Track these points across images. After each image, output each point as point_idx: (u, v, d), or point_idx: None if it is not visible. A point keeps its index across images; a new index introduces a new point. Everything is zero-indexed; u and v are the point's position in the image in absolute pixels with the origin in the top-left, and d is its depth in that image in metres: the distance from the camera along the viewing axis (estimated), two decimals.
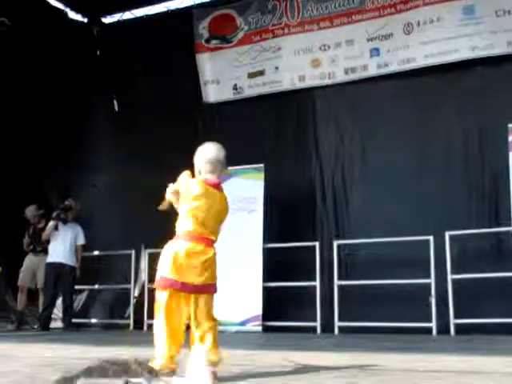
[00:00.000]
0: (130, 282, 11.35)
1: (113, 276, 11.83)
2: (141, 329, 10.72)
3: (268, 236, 10.51)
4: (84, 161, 12.76)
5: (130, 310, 11.32)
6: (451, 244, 9.34)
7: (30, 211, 11.32)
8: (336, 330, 9.79)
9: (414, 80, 10.36)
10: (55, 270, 10.64)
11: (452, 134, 10.07)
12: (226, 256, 10.43)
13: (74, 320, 10.99)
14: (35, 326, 10.97)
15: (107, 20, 13.56)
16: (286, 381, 4.42)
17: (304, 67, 11.20)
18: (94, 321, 11.84)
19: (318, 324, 9.96)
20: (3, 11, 11.39)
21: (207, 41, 12.06)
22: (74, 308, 11.27)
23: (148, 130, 12.25)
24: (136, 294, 11.49)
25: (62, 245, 10.81)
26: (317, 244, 10.26)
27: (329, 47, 11.02)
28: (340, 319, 9.81)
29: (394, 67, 10.51)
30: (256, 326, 10.16)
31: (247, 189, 10.66)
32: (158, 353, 4.47)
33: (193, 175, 4.82)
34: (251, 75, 11.64)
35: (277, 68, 11.43)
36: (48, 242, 10.97)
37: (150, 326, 10.89)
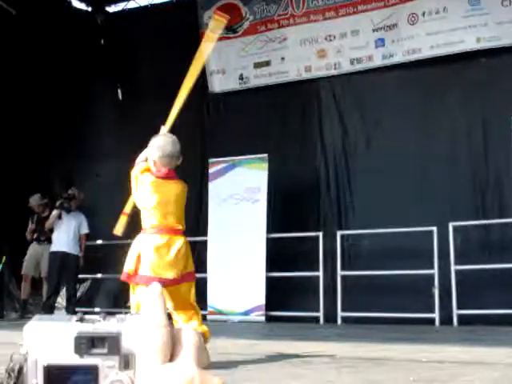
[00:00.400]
0: None
1: (116, 265, 11.83)
2: None
3: (271, 226, 10.51)
4: (88, 150, 12.76)
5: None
6: (455, 235, 9.33)
7: (34, 200, 11.34)
8: (339, 321, 9.81)
9: (418, 71, 10.33)
10: (59, 258, 10.65)
11: (456, 126, 10.05)
12: (229, 246, 10.55)
13: (77, 309, 11.02)
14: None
15: (111, 9, 13.54)
16: (288, 370, 4.44)
17: (310, 58, 11.17)
18: (97, 310, 11.87)
19: (321, 314, 9.97)
20: (9, 1, 11.37)
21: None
22: (77, 297, 11.30)
23: (152, 119, 12.14)
24: None
25: (66, 234, 10.83)
26: (320, 234, 10.26)
27: (334, 37, 10.98)
28: (343, 309, 9.83)
29: (399, 58, 10.48)
30: (259, 316, 10.18)
31: (251, 179, 10.66)
32: None
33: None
34: (257, 65, 11.61)
35: (283, 58, 11.40)
36: (51, 230, 10.99)
37: None
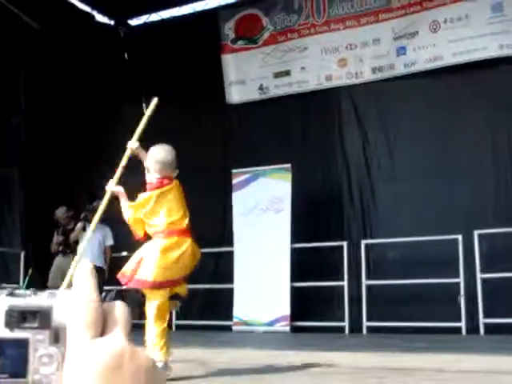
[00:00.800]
0: None
1: None
2: (169, 328, 10.76)
3: (296, 236, 10.50)
4: (112, 162, 12.80)
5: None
6: (480, 243, 9.27)
7: (60, 212, 11.40)
8: (364, 330, 9.76)
9: (441, 78, 10.28)
10: None
11: (480, 133, 9.98)
12: (254, 256, 10.55)
13: None
14: None
15: (134, 22, 13.63)
16: (313, 380, 4.42)
17: (330, 67, 11.16)
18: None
19: (346, 324, 9.94)
20: (34, 16, 11.49)
21: (233, 41, 12.07)
22: None
23: (175, 130, 12.29)
24: None
25: (91, 246, 10.88)
26: (344, 244, 10.23)
27: (355, 46, 10.97)
28: (368, 319, 9.78)
29: (420, 66, 10.44)
30: (284, 327, 10.16)
31: (275, 189, 10.66)
32: (159, 344, 4.78)
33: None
34: (277, 75, 11.63)
35: (303, 68, 11.41)
36: (76, 243, 11.05)
37: (178, 327, 10.97)
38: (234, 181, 11.06)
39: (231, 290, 10.73)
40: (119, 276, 5.11)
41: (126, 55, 13.25)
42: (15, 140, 11.58)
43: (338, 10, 11.12)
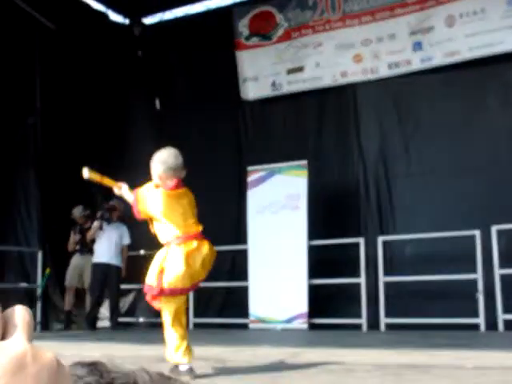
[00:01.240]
0: None
1: None
2: (187, 327, 10.78)
3: (312, 233, 10.47)
4: (127, 161, 12.87)
5: None
6: (498, 238, 9.21)
7: (77, 211, 11.46)
8: (382, 327, 9.73)
9: (457, 73, 10.22)
10: (101, 270, 10.74)
11: (497, 128, 9.90)
12: (270, 254, 10.53)
13: (121, 319, 11.09)
14: (83, 326, 11.16)
15: (148, 20, 13.65)
16: (330, 377, 4.40)
17: (346, 63, 11.12)
18: (141, 320, 11.94)
19: (364, 321, 9.91)
20: (48, 16, 11.53)
21: (247, 38, 12.06)
22: (120, 307, 11.38)
23: (189, 128, 12.32)
24: None
25: (107, 245, 10.92)
26: (361, 240, 10.20)
27: (371, 42, 10.93)
28: (386, 316, 9.75)
29: (437, 61, 10.37)
30: (302, 324, 10.14)
31: (291, 186, 10.63)
32: (182, 347, 4.82)
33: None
34: (290, 71, 11.60)
35: (317, 64, 11.37)
36: (93, 242, 11.10)
37: (196, 325, 10.99)
38: (250, 178, 11.05)
39: (247, 288, 10.73)
40: (146, 290, 5.04)
41: (140, 54, 13.27)
42: (31, 140, 11.63)
43: (353, 6, 11.07)
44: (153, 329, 10.42)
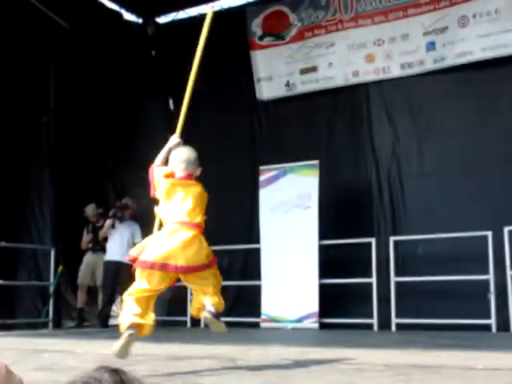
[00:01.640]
0: None
1: None
2: (198, 326, 10.81)
3: (323, 233, 10.48)
4: (140, 160, 12.90)
5: (188, 307, 11.42)
6: (510, 239, 9.19)
7: (90, 209, 11.52)
8: (393, 327, 9.73)
9: (470, 74, 10.20)
10: (113, 268, 10.79)
11: (510, 129, 9.88)
12: (281, 253, 10.55)
13: None
14: (95, 323, 11.24)
15: (161, 20, 13.68)
16: (341, 377, 4.42)
17: (358, 62, 11.12)
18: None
19: (375, 321, 9.91)
20: (62, 15, 11.60)
21: (260, 38, 12.08)
22: None
23: (203, 128, 12.35)
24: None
25: (119, 243, 10.97)
26: (373, 240, 10.20)
27: (383, 42, 10.92)
28: (397, 316, 9.74)
29: (450, 61, 10.35)
30: (312, 323, 10.16)
31: (302, 185, 10.65)
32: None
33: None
34: (303, 71, 11.62)
35: (330, 64, 11.38)
36: (106, 240, 11.15)
37: (207, 324, 10.99)
38: (262, 177, 11.07)
39: (259, 287, 10.75)
40: (128, 258, 5.18)
41: (153, 53, 13.31)
42: (45, 139, 11.70)
43: (366, 6, 11.07)
44: (164, 327, 10.47)
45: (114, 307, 11.32)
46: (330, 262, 10.46)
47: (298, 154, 10.88)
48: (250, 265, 11.45)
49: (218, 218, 11.49)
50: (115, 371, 0.66)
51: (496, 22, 9.95)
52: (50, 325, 10.98)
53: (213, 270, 5.23)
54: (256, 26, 12.13)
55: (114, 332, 9.80)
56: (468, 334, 8.39)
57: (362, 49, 11.08)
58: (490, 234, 9.23)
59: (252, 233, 11.35)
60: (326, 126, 11.48)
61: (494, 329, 9.04)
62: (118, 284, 10.86)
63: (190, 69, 6.26)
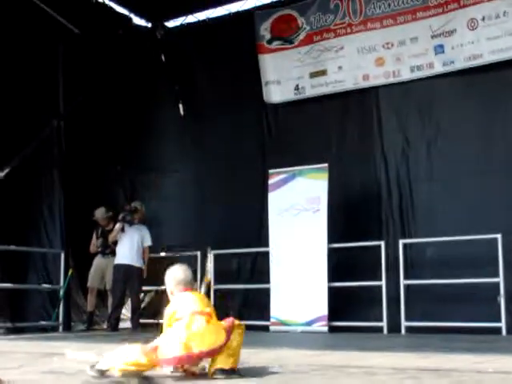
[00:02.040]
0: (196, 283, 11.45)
1: None
2: None
3: (333, 236, 10.47)
4: (150, 164, 12.97)
5: None
6: None
7: (100, 213, 11.54)
8: (403, 330, 9.71)
9: (480, 76, 10.18)
10: (122, 271, 10.79)
11: None
12: (290, 256, 10.55)
13: (142, 320, 11.14)
14: (105, 327, 11.27)
15: (170, 24, 13.72)
16: (350, 380, 4.42)
17: (368, 66, 11.13)
18: (162, 321, 11.97)
19: (384, 324, 9.89)
20: (72, 20, 11.64)
21: (269, 42, 12.10)
22: (141, 309, 11.44)
23: (213, 131, 12.39)
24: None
25: (129, 246, 10.97)
26: (382, 243, 10.18)
27: (393, 45, 10.92)
28: (407, 319, 9.72)
29: (459, 64, 10.34)
30: (322, 327, 10.15)
31: (312, 189, 10.64)
32: None
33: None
34: (313, 75, 11.63)
35: (340, 67, 11.39)
36: (115, 243, 11.17)
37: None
38: (271, 181, 11.08)
39: (268, 290, 10.75)
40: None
41: (162, 57, 13.34)
42: (55, 143, 11.75)
43: (375, 9, 11.08)
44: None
45: (123, 310, 11.34)
46: (339, 264, 10.46)
47: (307, 158, 10.88)
48: (259, 268, 11.45)
49: (228, 221, 11.54)
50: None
51: (505, 24, 9.94)
52: (60, 328, 11.02)
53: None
54: (264, 30, 12.15)
55: (124, 335, 9.82)
56: (478, 337, 8.35)
57: (371, 52, 11.09)
58: (499, 236, 9.20)
59: (261, 236, 11.34)
60: (335, 129, 11.49)
61: (504, 332, 9.01)
62: (127, 287, 10.87)
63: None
